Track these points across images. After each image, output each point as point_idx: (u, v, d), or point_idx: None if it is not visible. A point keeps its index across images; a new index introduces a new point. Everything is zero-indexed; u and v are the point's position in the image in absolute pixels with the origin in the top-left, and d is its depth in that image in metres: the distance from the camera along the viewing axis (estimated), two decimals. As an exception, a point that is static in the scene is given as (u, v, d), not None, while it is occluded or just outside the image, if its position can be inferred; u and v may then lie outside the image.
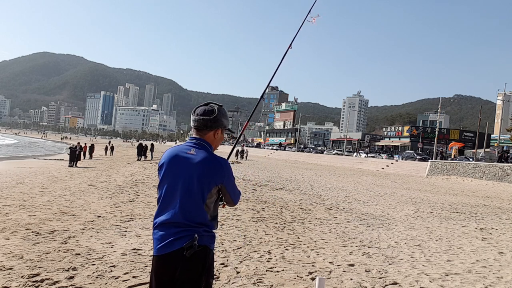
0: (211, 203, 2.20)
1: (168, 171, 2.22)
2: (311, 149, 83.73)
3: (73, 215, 7.85)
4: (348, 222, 9.08)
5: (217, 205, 2.28)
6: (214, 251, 2.27)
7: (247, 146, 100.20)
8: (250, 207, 10.14)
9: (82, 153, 27.77)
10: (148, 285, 4.20)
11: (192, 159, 2.19)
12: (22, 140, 76.04)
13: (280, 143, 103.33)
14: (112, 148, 42.34)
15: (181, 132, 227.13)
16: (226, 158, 2.34)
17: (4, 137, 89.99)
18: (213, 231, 2.24)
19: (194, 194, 2.14)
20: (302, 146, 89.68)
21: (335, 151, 75.81)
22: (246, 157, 47.92)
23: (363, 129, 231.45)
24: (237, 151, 49.60)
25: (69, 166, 22.52)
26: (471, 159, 43.52)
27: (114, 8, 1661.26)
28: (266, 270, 4.98)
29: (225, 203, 2.35)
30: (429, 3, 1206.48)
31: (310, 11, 3.77)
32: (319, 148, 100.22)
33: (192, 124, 2.33)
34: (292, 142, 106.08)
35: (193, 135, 2.32)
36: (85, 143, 35.53)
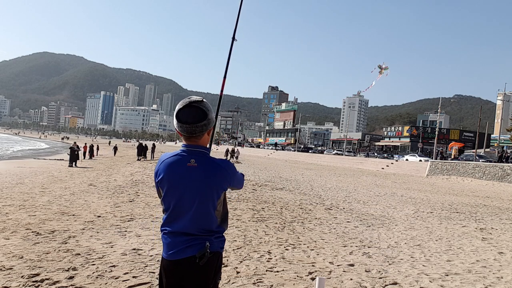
0: (220, 206, 2.18)
1: (171, 186, 2.12)
2: (315, 151, 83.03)
3: (73, 215, 7.85)
4: (348, 222, 9.08)
5: (226, 202, 2.25)
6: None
7: (249, 146, 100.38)
8: (250, 207, 10.14)
9: (82, 153, 27.70)
10: (148, 285, 4.22)
11: (195, 171, 2.09)
12: (53, 144, 76.96)
13: (276, 143, 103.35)
14: (115, 149, 42.34)
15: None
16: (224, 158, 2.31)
17: (36, 141, 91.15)
18: (223, 234, 2.23)
19: (203, 205, 2.10)
20: (302, 146, 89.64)
21: (335, 151, 75.70)
22: (236, 157, 44.68)
23: (363, 129, 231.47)
24: (227, 150, 48.23)
25: (69, 166, 22.51)
26: (481, 158, 42.07)
27: (114, 8, 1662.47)
28: (266, 270, 4.98)
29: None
30: (429, 3, 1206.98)
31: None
32: (319, 148, 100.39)
33: (182, 131, 2.12)
34: (292, 142, 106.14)
35: (186, 142, 2.16)
36: (85, 143, 35.53)
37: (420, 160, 45.62)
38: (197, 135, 2.13)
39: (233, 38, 3.22)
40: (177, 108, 2.13)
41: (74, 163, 23.02)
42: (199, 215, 2.10)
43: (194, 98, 2.14)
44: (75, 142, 25.82)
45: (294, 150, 78.33)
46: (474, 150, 51.77)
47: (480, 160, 39.15)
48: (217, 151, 56.79)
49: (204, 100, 2.16)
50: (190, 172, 2.10)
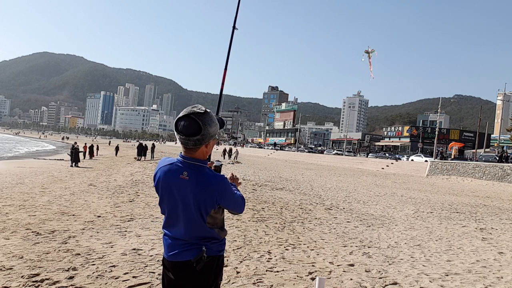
0: (214, 220, 2.16)
1: (165, 194, 2.16)
2: (315, 150, 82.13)
3: (73, 215, 7.85)
4: (348, 222, 9.08)
5: (222, 216, 2.23)
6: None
7: (250, 146, 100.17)
8: (250, 207, 10.14)
9: (81, 153, 27.57)
10: (148, 285, 4.22)
11: (185, 185, 2.08)
12: (57, 145, 77.14)
13: (275, 142, 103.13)
14: (117, 149, 42.15)
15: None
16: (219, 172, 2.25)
17: (39, 142, 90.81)
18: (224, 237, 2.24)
19: (194, 219, 2.10)
20: (302, 146, 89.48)
21: (335, 151, 75.49)
22: (235, 157, 43.27)
23: (363, 129, 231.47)
24: (224, 150, 47.87)
25: (71, 166, 22.53)
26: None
27: (114, 8, 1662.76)
28: (266, 270, 4.98)
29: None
30: (429, 3, 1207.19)
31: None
32: (319, 148, 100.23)
33: (178, 140, 2.11)
34: (292, 142, 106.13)
35: (183, 153, 2.14)
36: (85, 143, 35.49)
37: (426, 161, 44.62)
38: (190, 147, 2.09)
39: (234, 27, 3.15)
40: (179, 115, 2.09)
41: (75, 163, 23.06)
42: (191, 226, 2.11)
43: (197, 109, 2.08)
44: (75, 142, 25.82)
45: (295, 150, 78.23)
46: (474, 150, 51.74)
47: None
48: (217, 151, 56.73)
49: (207, 111, 2.09)
50: (181, 184, 2.10)
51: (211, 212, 2.11)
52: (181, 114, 2.08)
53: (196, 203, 2.08)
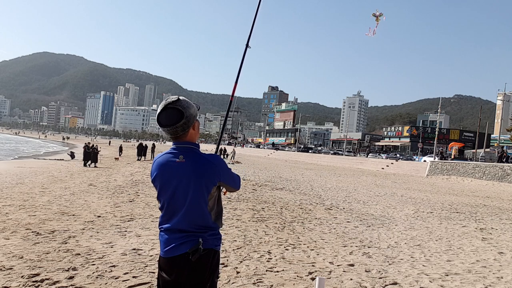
0: (212, 201, 2.20)
1: (163, 183, 2.18)
2: (316, 150, 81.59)
3: (73, 215, 7.85)
4: (348, 222, 9.08)
5: (220, 199, 2.27)
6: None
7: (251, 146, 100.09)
8: (250, 207, 10.14)
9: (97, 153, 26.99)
10: (148, 285, 4.22)
11: (183, 166, 2.14)
12: (60, 145, 77.25)
13: (273, 142, 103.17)
14: (120, 148, 41.85)
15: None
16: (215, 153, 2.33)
17: (43, 143, 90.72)
18: (219, 230, 2.25)
19: (195, 200, 2.13)
20: (302, 146, 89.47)
21: (334, 151, 75.40)
22: (232, 157, 42.22)
23: (363, 129, 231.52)
24: (221, 150, 47.26)
25: (94, 166, 22.96)
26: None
27: (114, 8, 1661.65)
28: (266, 270, 4.98)
29: (225, 190, 2.35)
30: (429, 3, 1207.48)
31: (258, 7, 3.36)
32: (319, 148, 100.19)
33: (167, 134, 2.18)
34: (292, 142, 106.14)
35: (174, 143, 2.22)
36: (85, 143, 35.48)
37: None
38: (180, 134, 2.18)
39: (247, 45, 3.22)
40: (157, 112, 2.17)
41: (94, 163, 23.32)
42: (191, 210, 2.13)
43: (170, 99, 2.17)
44: (89, 142, 26.00)
45: (294, 150, 78.15)
46: (474, 150, 51.67)
47: None
48: (212, 151, 56.50)
49: (180, 98, 2.18)
50: (179, 168, 2.15)
51: (212, 191, 2.17)
52: (159, 111, 2.15)
53: (197, 184, 2.13)
